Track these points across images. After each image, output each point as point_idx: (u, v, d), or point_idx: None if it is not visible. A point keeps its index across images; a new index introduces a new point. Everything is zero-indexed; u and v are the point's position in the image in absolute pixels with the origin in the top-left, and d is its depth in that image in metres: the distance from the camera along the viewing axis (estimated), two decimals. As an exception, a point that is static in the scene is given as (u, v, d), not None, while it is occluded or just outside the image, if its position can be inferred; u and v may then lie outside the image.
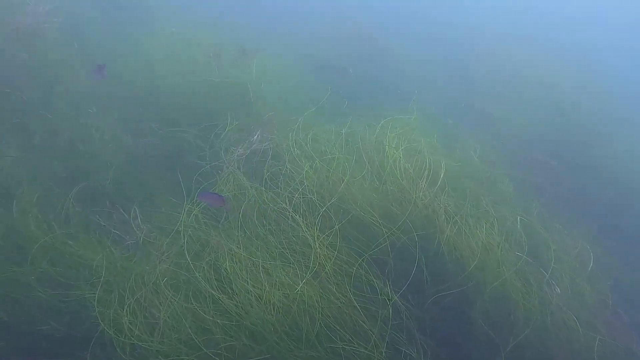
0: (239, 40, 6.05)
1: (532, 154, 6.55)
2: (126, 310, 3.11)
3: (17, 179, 3.79)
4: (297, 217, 3.47)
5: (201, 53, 5.51)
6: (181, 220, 3.55)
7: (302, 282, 3.02)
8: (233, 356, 2.95)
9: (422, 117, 5.13)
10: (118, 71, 4.97)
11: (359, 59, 7.61)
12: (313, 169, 3.94)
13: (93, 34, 5.19)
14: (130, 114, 4.76)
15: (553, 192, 5.83)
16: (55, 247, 3.36)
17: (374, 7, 9.95)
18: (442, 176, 3.80)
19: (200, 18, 6.38)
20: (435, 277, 3.43)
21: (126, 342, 3.03)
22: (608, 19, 12.78)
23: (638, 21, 12.61)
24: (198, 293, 3.22)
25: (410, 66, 8.02)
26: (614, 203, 6.05)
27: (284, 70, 6.17)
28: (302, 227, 3.38)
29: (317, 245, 3.24)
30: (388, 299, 3.11)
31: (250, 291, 3.10)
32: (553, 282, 3.71)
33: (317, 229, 3.38)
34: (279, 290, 3.13)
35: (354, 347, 2.93)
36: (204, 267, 3.24)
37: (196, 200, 3.67)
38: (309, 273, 3.08)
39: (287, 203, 3.61)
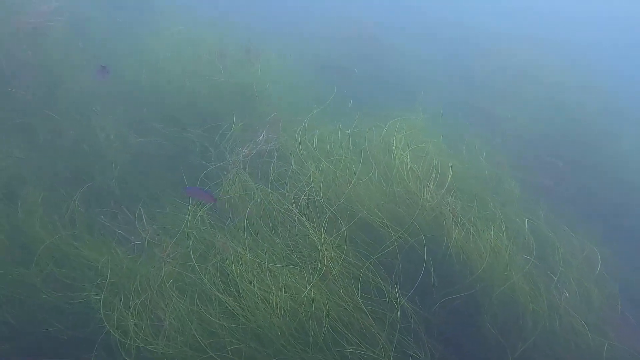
0: (244, 40, 6.01)
1: (538, 154, 6.51)
2: (131, 312, 3.09)
3: (21, 179, 3.77)
4: (304, 219, 3.44)
5: (206, 53, 5.48)
6: (187, 221, 3.53)
7: (309, 285, 2.99)
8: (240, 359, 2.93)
9: (427, 117, 5.10)
10: (122, 70, 4.94)
11: (362, 59, 7.57)
12: (319, 170, 3.91)
13: (97, 33, 5.17)
14: (134, 113, 4.73)
15: (559, 193, 5.80)
16: (61, 248, 3.33)
17: (378, 7, 9.91)
18: (449, 178, 3.77)
19: (205, 18, 6.35)
20: (442, 280, 3.40)
21: (131, 345, 3.00)
22: (612, 18, 12.72)
23: (643, 20, 12.55)
24: (204, 295, 3.19)
25: (414, 65, 7.98)
26: (620, 203, 6.01)
27: (288, 70, 6.14)
28: (309, 230, 3.35)
29: (324, 247, 3.21)
30: (396, 302, 3.08)
31: (257, 294, 3.07)
32: (561, 286, 3.67)
33: (324, 231, 3.35)
34: (285, 293, 3.11)
35: (362, 350, 2.90)
36: (209, 269, 3.21)
37: (200, 201, 3.64)
38: (317, 277, 3.05)
39: (294, 205, 3.58)
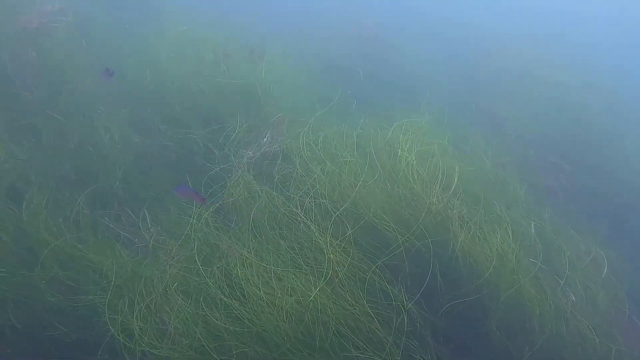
0: (248, 40, 5.99)
1: (542, 155, 6.48)
2: (136, 316, 3.08)
3: (26, 181, 3.75)
4: (309, 222, 3.41)
5: (210, 53, 5.46)
6: (191, 224, 3.51)
7: (316, 289, 2.97)
8: (245, 364, 2.91)
9: (432, 118, 5.07)
10: (126, 71, 4.92)
11: (366, 59, 7.54)
12: (324, 172, 3.88)
13: (101, 34, 5.15)
14: (138, 114, 4.72)
15: (564, 195, 5.77)
16: (65, 250, 3.32)
17: (381, 8, 9.88)
18: (456, 180, 3.74)
19: (209, 18, 6.33)
20: (449, 284, 3.38)
21: (136, 348, 2.99)
22: (614, 17, 12.66)
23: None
24: (209, 298, 3.18)
25: (417, 66, 7.95)
26: (625, 204, 5.97)
27: (292, 70, 6.11)
28: (314, 232, 3.33)
29: (330, 251, 3.19)
30: (403, 306, 3.06)
31: (262, 297, 3.05)
32: (568, 289, 3.65)
33: (329, 234, 3.33)
34: (291, 296, 3.09)
35: (369, 355, 2.88)
36: (215, 273, 3.19)
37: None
38: (323, 281, 3.03)
39: (299, 207, 3.56)
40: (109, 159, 4.27)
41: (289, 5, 8.47)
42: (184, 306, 3.10)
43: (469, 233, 3.50)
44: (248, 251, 3.28)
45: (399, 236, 3.36)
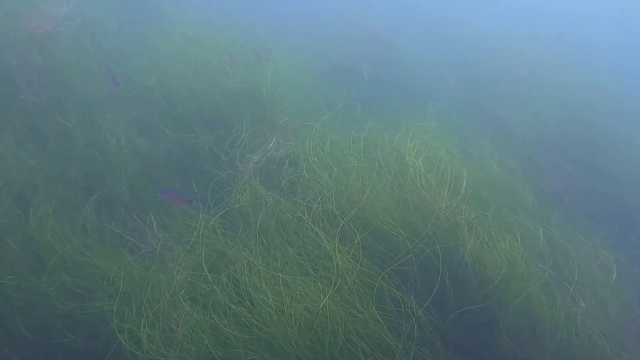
0: (253, 43, 5.99)
1: (548, 157, 6.44)
2: (144, 323, 3.07)
3: (33, 187, 3.75)
4: (317, 229, 3.40)
5: (215, 56, 5.46)
6: (198, 230, 3.50)
7: (326, 297, 2.95)
8: (254, 372, 2.90)
9: (439, 122, 5.05)
10: (132, 75, 4.92)
11: (371, 61, 7.53)
12: (331, 177, 3.87)
13: (108, 38, 5.15)
14: (144, 119, 4.71)
15: (571, 198, 5.74)
16: (73, 257, 3.31)
17: (383, 9, 9.86)
18: (464, 186, 3.72)
19: (215, 21, 6.33)
20: (458, 290, 3.36)
21: (144, 356, 2.98)
22: (619, 17, 12.62)
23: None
24: (217, 305, 3.16)
25: (422, 67, 7.93)
26: (632, 207, 5.94)
27: (298, 73, 6.10)
28: (322, 239, 3.32)
29: (339, 257, 3.17)
30: (412, 313, 3.04)
31: (271, 305, 3.04)
32: (577, 296, 3.62)
33: (337, 240, 3.32)
34: (299, 303, 3.07)
35: (379, 363, 2.87)
36: (223, 280, 3.18)
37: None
38: (332, 289, 3.01)
39: (306, 213, 3.54)
40: (115, 164, 4.26)
41: (293, 7, 8.46)
42: (191, 313, 3.09)
43: (478, 239, 3.48)
44: (255, 257, 3.26)
45: (407, 242, 3.34)
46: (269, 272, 3.18)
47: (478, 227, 3.55)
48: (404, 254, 3.32)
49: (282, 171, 4.07)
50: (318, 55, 6.91)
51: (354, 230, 3.40)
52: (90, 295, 3.22)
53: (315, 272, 3.23)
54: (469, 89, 7.75)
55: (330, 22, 8.28)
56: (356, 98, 5.72)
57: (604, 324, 3.54)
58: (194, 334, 3.05)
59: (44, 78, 4.38)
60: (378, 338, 3.00)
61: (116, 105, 4.60)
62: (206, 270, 3.23)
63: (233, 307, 3.06)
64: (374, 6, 9.71)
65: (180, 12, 6.19)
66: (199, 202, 3.79)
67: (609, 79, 9.09)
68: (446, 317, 3.27)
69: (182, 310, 3.11)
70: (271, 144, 4.44)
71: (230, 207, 3.77)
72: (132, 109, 4.66)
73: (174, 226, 3.82)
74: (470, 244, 3.44)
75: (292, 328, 2.99)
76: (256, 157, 4.31)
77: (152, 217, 3.80)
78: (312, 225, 3.43)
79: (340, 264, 3.15)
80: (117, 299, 3.12)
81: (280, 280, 3.14)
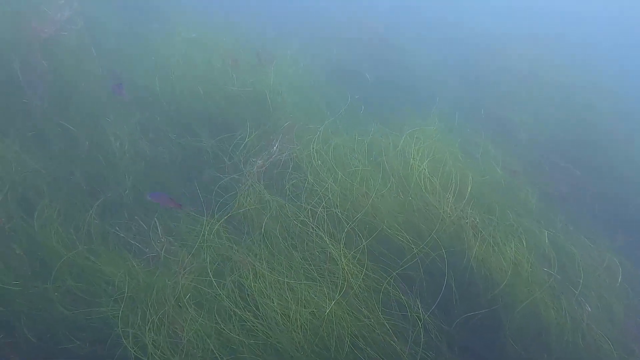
0: (256, 45, 5.98)
1: (551, 159, 6.43)
2: (149, 328, 3.06)
3: (37, 191, 3.74)
4: (322, 233, 3.39)
5: (218, 59, 5.45)
6: (203, 235, 3.49)
7: (332, 302, 2.94)
8: (260, 377, 2.89)
9: (442, 124, 5.04)
10: (136, 78, 4.92)
11: (373, 62, 7.53)
12: (336, 181, 3.86)
13: (111, 42, 5.15)
14: (148, 122, 4.71)
15: (575, 201, 5.73)
16: (78, 262, 3.31)
17: (386, 11, 9.86)
18: (469, 189, 3.71)
19: (218, 24, 6.33)
20: (464, 294, 3.35)
21: (150, 361, 2.97)
22: (619, 17, 12.61)
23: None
24: (222, 310, 3.15)
25: (426, 69, 7.93)
26: (637, 209, 5.92)
27: (300, 75, 6.10)
28: (327, 243, 3.31)
29: (344, 262, 3.17)
30: (419, 318, 3.03)
31: (276, 309, 3.03)
32: (583, 299, 3.61)
33: (342, 245, 3.31)
34: (305, 308, 3.06)
35: (385, 368, 2.86)
36: (228, 285, 3.17)
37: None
38: (339, 294, 3.00)
39: (311, 217, 3.53)
40: (119, 167, 4.26)
41: (295, 9, 8.46)
42: (197, 318, 3.08)
43: (484, 243, 3.47)
44: (260, 262, 3.26)
45: (413, 247, 3.33)
46: (273, 277, 3.17)
47: (483, 230, 3.54)
48: (410, 258, 3.31)
49: (286, 175, 4.07)
50: (320, 58, 6.91)
51: (359, 235, 3.39)
52: (95, 300, 3.22)
53: (320, 277, 3.22)
54: (469, 89, 7.75)
55: (332, 24, 8.28)
56: (359, 100, 5.70)
57: (610, 328, 3.53)
58: (199, 339, 3.04)
59: (47, 82, 4.37)
60: (384, 343, 2.99)
61: (119, 109, 4.60)
62: (211, 275, 3.22)
63: (238, 312, 3.05)
64: (375, 8, 9.71)
65: (183, 15, 6.19)
66: (203, 207, 3.78)
67: (609, 79, 9.08)
68: (452, 322, 3.26)
69: (187, 315, 3.10)
70: (275, 147, 4.43)
71: (234, 211, 3.76)
72: (136, 113, 4.65)
73: (178, 230, 3.81)
74: (475, 248, 3.43)
75: (298, 333, 2.98)
76: (260, 161, 4.30)
77: (157, 222, 3.79)
78: (317, 230, 3.42)
79: (345, 268, 3.14)
80: (122, 304, 3.11)
81: (286, 285, 3.13)
